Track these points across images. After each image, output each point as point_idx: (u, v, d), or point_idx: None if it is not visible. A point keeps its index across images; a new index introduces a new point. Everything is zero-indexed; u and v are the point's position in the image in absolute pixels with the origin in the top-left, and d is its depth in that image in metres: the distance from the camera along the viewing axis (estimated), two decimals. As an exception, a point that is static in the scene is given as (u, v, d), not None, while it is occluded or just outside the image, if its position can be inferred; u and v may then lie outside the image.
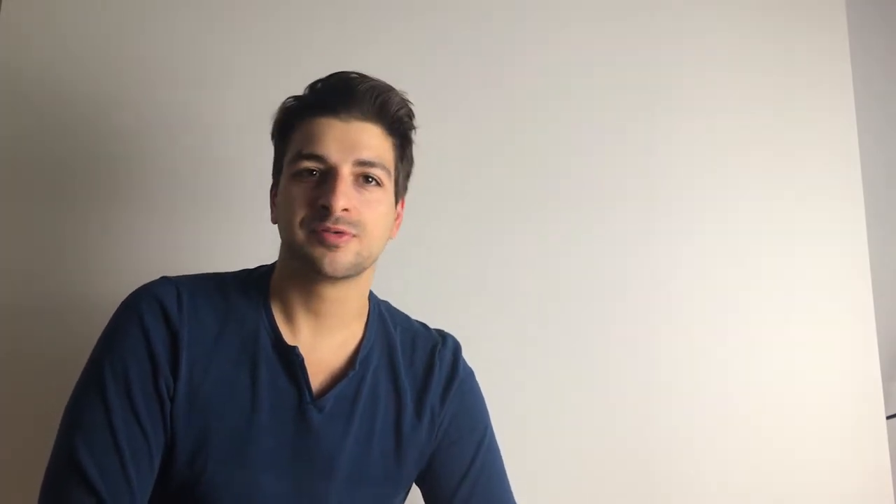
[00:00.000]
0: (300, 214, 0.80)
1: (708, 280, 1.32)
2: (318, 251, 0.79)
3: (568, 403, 1.25)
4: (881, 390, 1.32)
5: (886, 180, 1.64)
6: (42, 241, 1.17)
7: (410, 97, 0.89)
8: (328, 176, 0.80)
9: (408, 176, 0.92)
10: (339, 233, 0.79)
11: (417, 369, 0.92)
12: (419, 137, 0.92)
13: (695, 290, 1.31)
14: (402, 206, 0.92)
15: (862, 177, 1.40)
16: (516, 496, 0.96)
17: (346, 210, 0.79)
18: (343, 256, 0.80)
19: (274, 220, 0.88)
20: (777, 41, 1.42)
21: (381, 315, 0.94)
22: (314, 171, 0.81)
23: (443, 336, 0.97)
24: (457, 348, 0.97)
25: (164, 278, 0.85)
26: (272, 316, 0.86)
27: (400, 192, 0.90)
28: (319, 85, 0.86)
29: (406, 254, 1.23)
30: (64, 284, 1.16)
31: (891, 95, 1.70)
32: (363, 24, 1.30)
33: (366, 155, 0.81)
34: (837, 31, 1.45)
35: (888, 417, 1.34)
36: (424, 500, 0.94)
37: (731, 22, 1.41)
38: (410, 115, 0.88)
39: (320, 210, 0.79)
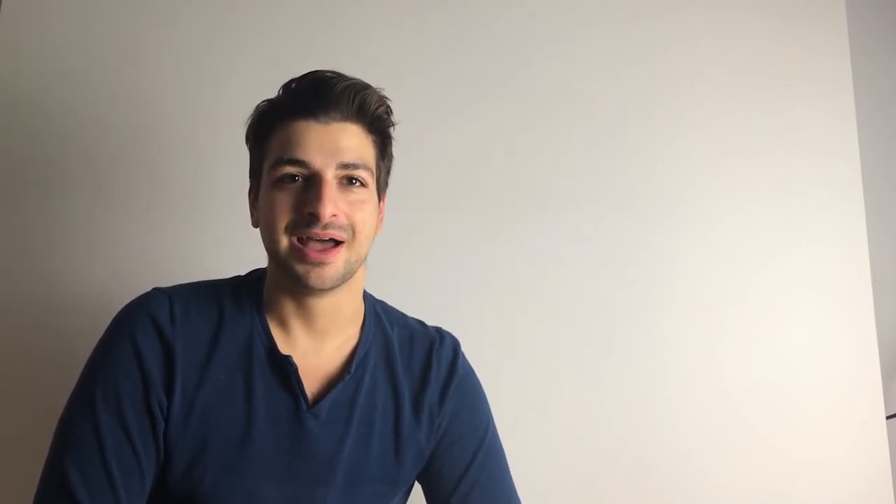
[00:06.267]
0: (285, 220, 0.79)
1: (708, 280, 1.32)
2: (301, 267, 0.79)
3: (568, 404, 1.25)
4: (881, 390, 1.32)
5: (886, 180, 1.64)
6: (39, 243, 1.17)
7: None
8: (312, 182, 0.79)
9: (388, 172, 0.90)
10: (325, 248, 0.78)
11: (415, 369, 0.92)
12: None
13: (694, 290, 1.31)
14: (384, 202, 0.91)
15: (862, 177, 1.40)
16: (515, 496, 0.96)
17: (334, 215, 0.78)
18: (331, 270, 0.79)
19: (255, 224, 0.87)
20: (777, 42, 1.42)
21: (378, 316, 0.94)
22: (297, 176, 0.79)
23: (441, 334, 0.96)
24: (456, 346, 0.97)
25: (156, 290, 0.84)
26: (266, 324, 0.85)
27: (382, 188, 0.88)
28: (294, 85, 0.83)
29: (408, 255, 1.23)
30: (60, 285, 1.16)
31: (891, 95, 1.70)
32: (363, 24, 1.30)
33: (348, 157, 0.80)
34: (837, 31, 1.45)
35: (888, 417, 1.33)
36: (426, 499, 0.94)
37: (731, 23, 1.41)
38: (389, 111, 0.87)
39: (307, 217, 0.78)
